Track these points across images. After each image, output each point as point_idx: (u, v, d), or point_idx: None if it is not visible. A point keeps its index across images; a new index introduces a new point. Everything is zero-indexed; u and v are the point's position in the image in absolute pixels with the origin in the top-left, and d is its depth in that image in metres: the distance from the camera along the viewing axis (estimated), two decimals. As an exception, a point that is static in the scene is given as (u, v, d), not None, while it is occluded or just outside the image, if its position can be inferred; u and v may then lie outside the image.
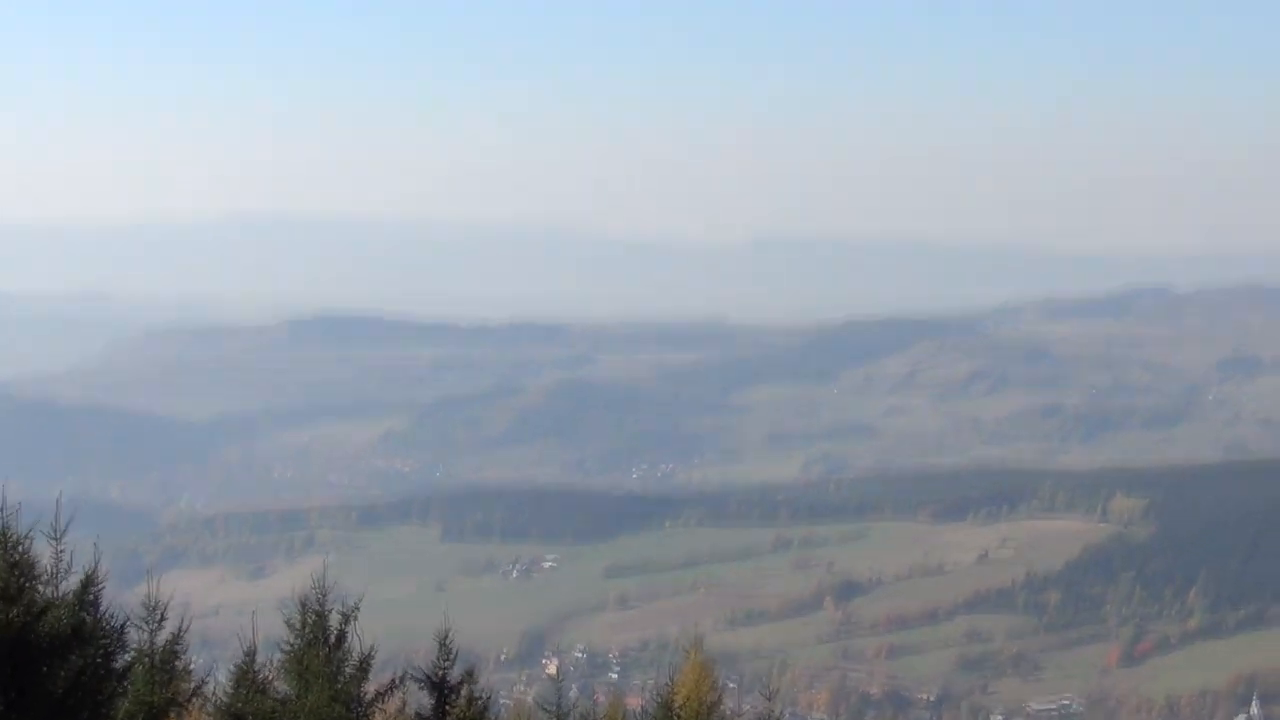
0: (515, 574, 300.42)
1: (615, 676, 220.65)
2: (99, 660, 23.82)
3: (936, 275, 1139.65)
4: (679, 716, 38.02)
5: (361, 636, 28.91)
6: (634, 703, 52.77)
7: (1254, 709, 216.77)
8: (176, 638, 27.32)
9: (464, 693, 31.69)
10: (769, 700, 46.18)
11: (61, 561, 24.44)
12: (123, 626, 25.51)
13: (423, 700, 31.44)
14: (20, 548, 23.41)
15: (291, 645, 28.95)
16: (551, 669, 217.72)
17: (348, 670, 28.27)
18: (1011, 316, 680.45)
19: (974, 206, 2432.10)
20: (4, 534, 23.23)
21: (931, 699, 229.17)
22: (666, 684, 41.78)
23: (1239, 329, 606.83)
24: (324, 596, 28.99)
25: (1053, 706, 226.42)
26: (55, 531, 24.58)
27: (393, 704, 29.51)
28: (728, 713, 44.75)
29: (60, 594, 24.05)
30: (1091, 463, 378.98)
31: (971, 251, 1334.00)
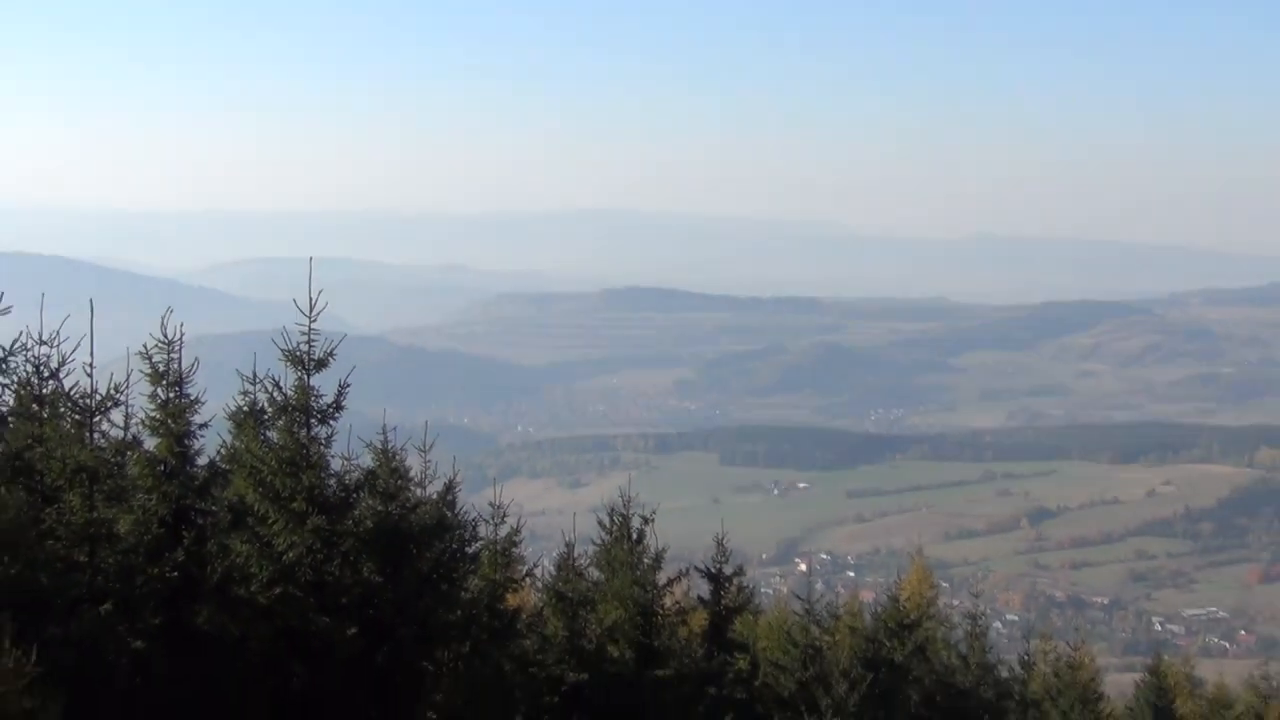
0: (776, 493, 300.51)
1: (852, 575, 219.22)
2: (456, 546, 24.23)
3: (1120, 268, 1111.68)
4: (903, 608, 37.79)
5: (656, 536, 29.08)
6: (867, 596, 52.45)
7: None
8: (514, 532, 27.70)
9: (734, 583, 31.75)
10: (975, 598, 45.72)
11: (428, 470, 24.92)
12: (474, 521, 25.95)
13: (702, 588, 31.55)
14: (397, 458, 23.86)
15: (602, 541, 29.23)
16: (802, 568, 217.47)
17: (645, 562, 28.45)
18: (1180, 302, 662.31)
19: (1152, 210, 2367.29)
20: (386, 447, 23.68)
21: (1105, 603, 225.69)
22: (895, 583, 41.50)
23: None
24: (627, 504, 29.20)
25: (1203, 614, 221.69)
26: (424, 447, 25.02)
27: (679, 589, 29.66)
28: (941, 607, 44.41)
29: (427, 495, 24.48)
30: (1241, 421, 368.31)
31: (1148, 249, 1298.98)
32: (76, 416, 19.45)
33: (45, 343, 19.44)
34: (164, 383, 20.15)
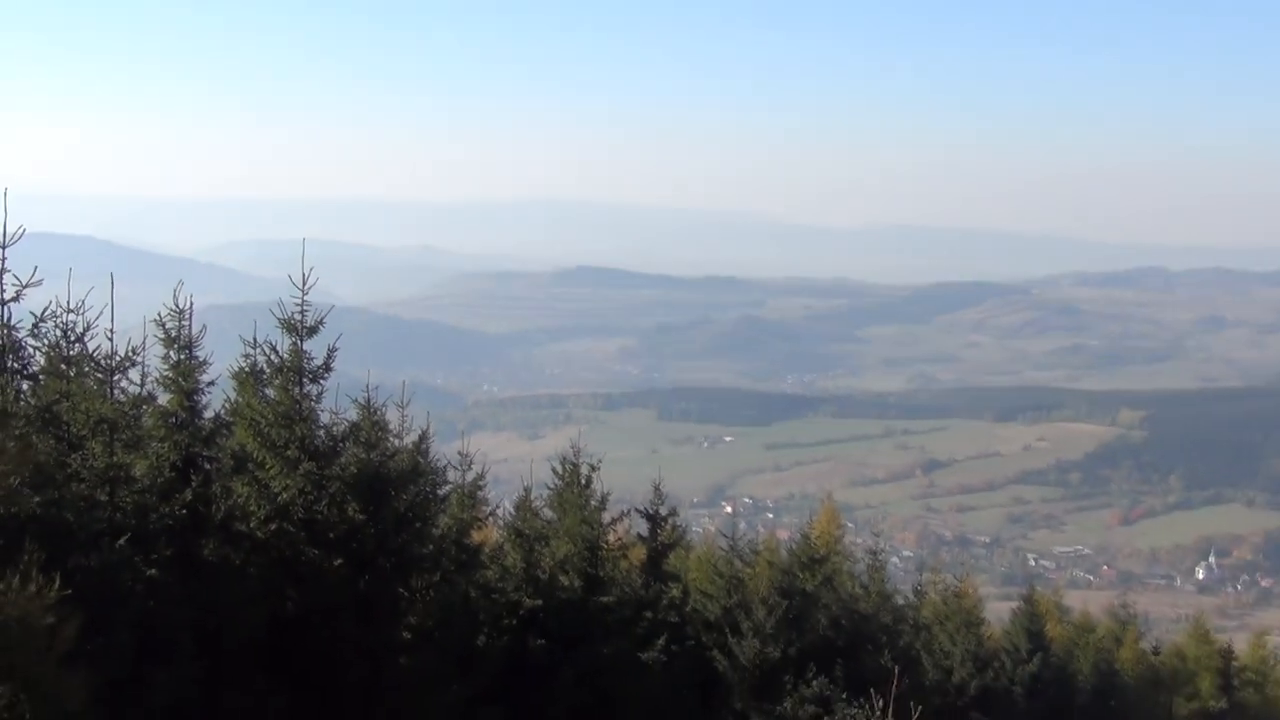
0: (705, 445, 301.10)
1: (771, 516, 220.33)
2: (428, 489, 24.24)
3: (1001, 253, 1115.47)
4: (815, 544, 38.00)
5: (602, 481, 29.16)
6: (783, 534, 52.69)
7: (1210, 559, 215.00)
8: (479, 477, 27.78)
9: (669, 523, 31.87)
10: (876, 537, 46.04)
11: (404, 423, 24.91)
12: (444, 468, 25.99)
13: (641, 526, 31.66)
14: (378, 413, 23.86)
15: (555, 485, 29.30)
16: (728, 510, 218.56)
17: (592, 503, 28.54)
18: (1053, 283, 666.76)
19: (1029, 202, 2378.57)
20: (368, 404, 23.68)
21: (987, 542, 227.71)
22: (807, 522, 41.74)
23: (1211, 298, 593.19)
24: (578, 454, 29.26)
25: (1071, 551, 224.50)
26: (401, 404, 25.01)
27: (621, 527, 29.76)
28: (847, 544, 44.68)
29: (404, 444, 24.48)
30: (1104, 386, 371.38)
31: (1026, 237, 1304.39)
32: (99, 375, 19.51)
33: (72, 311, 19.49)
34: (175, 346, 20.21)
